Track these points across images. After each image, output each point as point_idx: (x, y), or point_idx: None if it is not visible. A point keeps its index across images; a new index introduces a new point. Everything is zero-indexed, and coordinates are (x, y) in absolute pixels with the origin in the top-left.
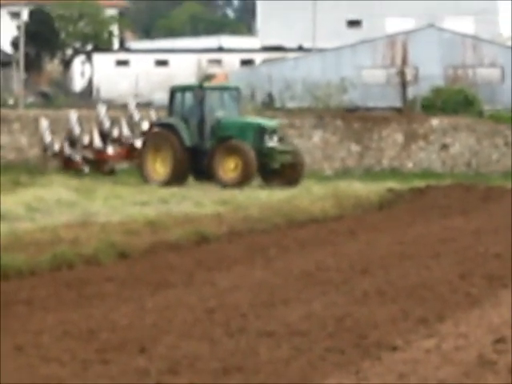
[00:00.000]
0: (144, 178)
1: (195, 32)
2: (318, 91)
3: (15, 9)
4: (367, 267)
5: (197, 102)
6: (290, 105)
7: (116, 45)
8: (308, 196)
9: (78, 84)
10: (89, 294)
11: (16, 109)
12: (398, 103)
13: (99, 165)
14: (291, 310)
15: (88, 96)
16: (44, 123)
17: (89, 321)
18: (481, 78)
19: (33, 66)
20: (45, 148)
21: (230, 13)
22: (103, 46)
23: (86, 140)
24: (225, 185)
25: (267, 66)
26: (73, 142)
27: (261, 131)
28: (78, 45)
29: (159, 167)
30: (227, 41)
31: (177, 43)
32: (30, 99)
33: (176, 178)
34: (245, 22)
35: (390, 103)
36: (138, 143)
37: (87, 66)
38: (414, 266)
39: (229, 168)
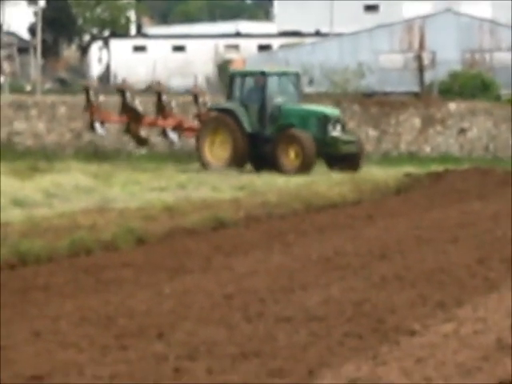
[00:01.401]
0: (202, 162)
1: (212, 17)
2: (335, 76)
3: None
4: (385, 252)
5: (258, 88)
6: (308, 90)
7: (133, 30)
8: (326, 181)
9: (95, 70)
10: (107, 279)
11: (33, 95)
12: (415, 88)
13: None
14: (309, 294)
15: (106, 82)
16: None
17: (107, 307)
18: (498, 62)
19: (50, 52)
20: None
21: None
22: (120, 32)
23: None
24: (287, 173)
25: (284, 51)
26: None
27: (324, 120)
28: (95, 31)
29: (218, 152)
30: (244, 26)
31: (194, 29)
32: (48, 85)
33: (235, 164)
34: (262, 7)
35: (407, 88)
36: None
37: (104, 52)
38: (431, 251)
39: (290, 157)
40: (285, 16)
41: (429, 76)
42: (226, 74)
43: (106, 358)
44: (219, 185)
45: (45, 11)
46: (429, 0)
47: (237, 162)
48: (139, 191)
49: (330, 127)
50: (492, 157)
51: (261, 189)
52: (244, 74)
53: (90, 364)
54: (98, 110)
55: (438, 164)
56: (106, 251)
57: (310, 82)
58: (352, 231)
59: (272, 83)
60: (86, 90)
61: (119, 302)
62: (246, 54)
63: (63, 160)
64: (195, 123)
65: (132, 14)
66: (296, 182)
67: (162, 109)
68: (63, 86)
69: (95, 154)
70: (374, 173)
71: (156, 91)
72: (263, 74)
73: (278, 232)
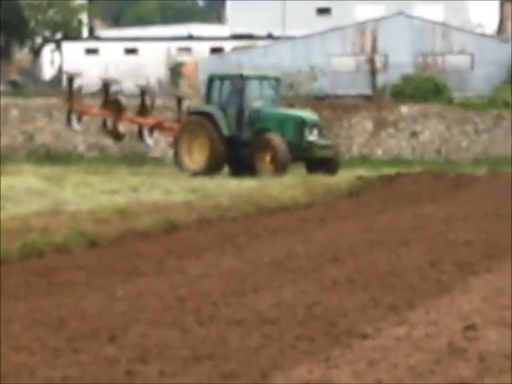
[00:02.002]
0: (178, 166)
1: (165, 20)
2: (287, 79)
3: None
4: (337, 255)
5: (236, 91)
6: None
7: (85, 33)
8: (278, 184)
9: (47, 72)
10: (59, 282)
11: None
12: (367, 91)
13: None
14: (261, 297)
15: (57, 84)
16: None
17: (59, 309)
18: (450, 66)
19: (2, 54)
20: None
21: (200, 1)
22: (72, 35)
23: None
24: (262, 177)
25: (237, 54)
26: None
27: (301, 124)
28: (47, 33)
29: (195, 156)
30: (197, 29)
31: (146, 31)
32: (0, 88)
33: (212, 168)
34: (214, 10)
35: (359, 91)
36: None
37: (57, 55)
38: (383, 254)
39: (265, 161)
40: (237, 19)
41: (381, 79)
42: (177, 77)
43: (58, 360)
44: (171, 188)
45: None
46: (381, 1)
47: (214, 165)
48: (91, 194)
49: (306, 132)
50: (444, 160)
51: (213, 192)
52: (222, 77)
53: (42, 367)
54: (79, 102)
55: (390, 167)
56: (58, 254)
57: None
58: (304, 234)
59: (251, 87)
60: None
61: (71, 304)
62: (199, 57)
63: (15, 162)
64: (176, 124)
65: (84, 17)
66: (248, 184)
67: (144, 108)
68: (15, 88)
69: (47, 156)
70: (326, 175)
71: (141, 90)
72: (241, 77)
73: (230, 235)
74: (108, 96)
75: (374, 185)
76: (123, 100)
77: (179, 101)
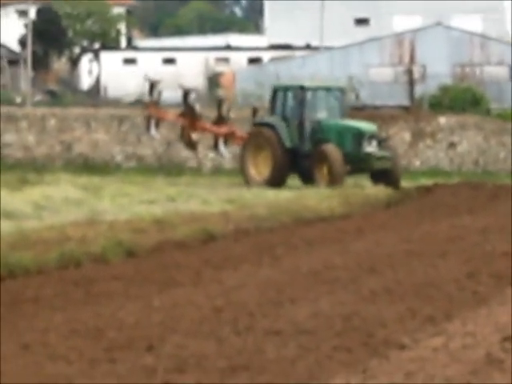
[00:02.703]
0: (245, 178)
1: (202, 30)
2: None
3: (23, 7)
4: (375, 266)
5: (297, 102)
6: None
7: (123, 43)
8: (316, 194)
9: (85, 82)
10: (96, 292)
11: (23, 107)
12: (405, 101)
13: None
14: (298, 308)
15: (95, 94)
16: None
17: (96, 319)
18: (488, 76)
19: (40, 64)
20: None
21: (238, 11)
22: (111, 44)
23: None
24: (320, 187)
25: (275, 65)
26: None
27: (359, 136)
28: (85, 43)
29: (260, 167)
30: (235, 39)
31: (184, 41)
32: (38, 97)
33: (275, 179)
34: (252, 21)
35: (397, 101)
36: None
37: (95, 65)
38: (421, 265)
39: (323, 172)
40: (275, 29)
41: (419, 90)
42: (215, 87)
43: (95, 370)
44: (208, 198)
45: (35, 23)
46: (419, 14)
47: (277, 177)
48: (128, 204)
49: (364, 143)
50: (482, 171)
51: (250, 202)
52: (286, 89)
53: (79, 377)
54: (158, 109)
55: (428, 178)
56: (96, 264)
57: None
58: (341, 245)
59: (313, 98)
60: (220, 103)
61: (109, 314)
62: (236, 67)
63: (53, 172)
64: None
65: (122, 27)
66: (285, 195)
67: (220, 118)
68: (53, 98)
69: (85, 166)
70: (364, 186)
71: (218, 100)
72: (302, 88)
73: (267, 245)
74: (187, 104)
75: (412, 196)
76: (198, 108)
77: (220, 103)
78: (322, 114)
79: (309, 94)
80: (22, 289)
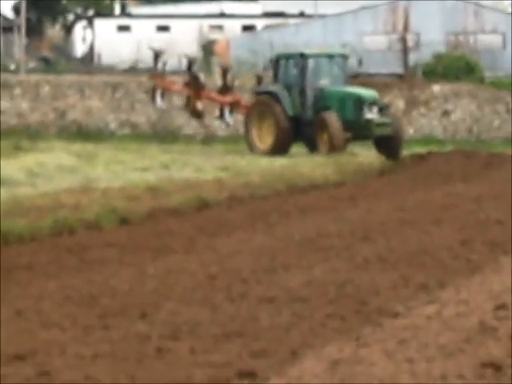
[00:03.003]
0: (249, 146)
1: None
2: None
3: None
4: (368, 234)
5: (299, 70)
6: None
7: (117, 10)
8: (309, 162)
9: (79, 49)
10: (90, 259)
11: (17, 74)
12: (399, 69)
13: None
14: (292, 275)
15: (89, 61)
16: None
17: (90, 286)
18: (482, 45)
19: (34, 31)
20: None
21: None
22: (104, 12)
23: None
24: (322, 154)
25: (268, 32)
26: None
27: (359, 102)
28: (79, 10)
29: (264, 136)
30: (229, 6)
31: (178, 9)
32: (32, 64)
33: (279, 148)
34: None
35: (391, 69)
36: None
37: (88, 32)
38: (414, 233)
39: (323, 139)
40: None
41: (413, 58)
42: (209, 54)
43: (89, 337)
44: (203, 165)
45: None
46: None
47: (280, 145)
48: (122, 171)
49: (365, 109)
50: (475, 139)
51: (244, 169)
52: (287, 57)
53: (73, 343)
54: (163, 79)
55: (422, 146)
56: (89, 231)
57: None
58: (335, 212)
59: (314, 66)
60: (224, 72)
61: (102, 281)
62: (230, 35)
63: (47, 139)
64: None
65: None
66: (279, 163)
67: (224, 87)
68: (47, 65)
69: (79, 133)
70: (357, 154)
71: (222, 69)
72: (303, 55)
73: (261, 213)
74: (191, 73)
75: (406, 164)
76: (202, 77)
77: (224, 72)
78: (324, 82)
79: (310, 62)
80: (16, 256)
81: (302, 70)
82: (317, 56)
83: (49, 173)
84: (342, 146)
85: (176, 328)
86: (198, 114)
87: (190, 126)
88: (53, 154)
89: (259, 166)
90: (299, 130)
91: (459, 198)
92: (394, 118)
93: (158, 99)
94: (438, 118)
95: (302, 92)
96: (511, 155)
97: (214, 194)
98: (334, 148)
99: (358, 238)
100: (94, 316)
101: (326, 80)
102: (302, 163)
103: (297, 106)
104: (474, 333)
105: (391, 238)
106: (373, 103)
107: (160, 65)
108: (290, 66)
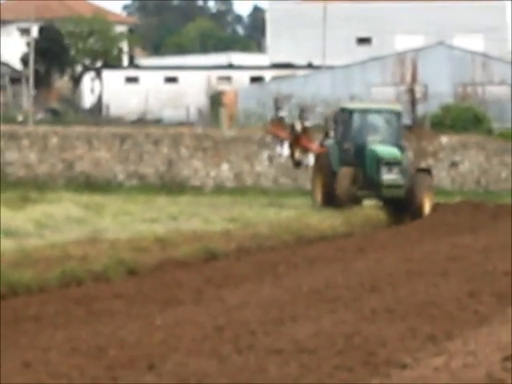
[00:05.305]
0: (312, 199)
1: (205, 49)
2: (327, 108)
3: (25, 25)
4: (376, 285)
5: (342, 125)
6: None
7: (125, 61)
8: (317, 213)
9: (87, 100)
10: (98, 310)
11: (25, 125)
12: (407, 121)
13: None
14: (300, 327)
15: (97, 113)
16: None
17: (98, 337)
18: (490, 96)
19: (42, 82)
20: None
21: (240, 30)
22: (113, 63)
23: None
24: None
25: (277, 83)
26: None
27: (376, 161)
28: (87, 61)
29: (318, 190)
30: (237, 58)
31: (186, 60)
32: (40, 116)
33: (325, 202)
34: (254, 39)
35: None
36: None
37: (97, 83)
38: (422, 284)
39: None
40: (277, 48)
41: (421, 109)
42: (217, 106)
43: None
44: (210, 216)
45: (37, 41)
46: (421, 33)
47: (326, 199)
48: (130, 222)
49: (383, 169)
50: (483, 190)
51: (252, 221)
52: (349, 111)
53: None
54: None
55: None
56: (97, 282)
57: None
58: (343, 264)
59: (358, 121)
60: (327, 120)
61: (110, 333)
62: (238, 86)
63: (55, 190)
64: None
65: (124, 45)
66: (287, 214)
67: (306, 133)
68: (55, 116)
69: (87, 184)
70: (365, 206)
71: (325, 118)
72: (344, 110)
73: (268, 264)
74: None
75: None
76: (298, 126)
77: (302, 112)
78: (372, 138)
79: (355, 117)
80: (24, 307)
81: (345, 125)
82: (361, 111)
83: (57, 224)
84: (344, 203)
85: (184, 379)
86: (297, 164)
87: (197, 177)
88: (61, 206)
89: (267, 218)
90: None
91: (467, 250)
92: (412, 179)
93: (279, 147)
94: (446, 170)
95: (346, 148)
96: None
97: (222, 246)
98: (336, 203)
99: (366, 290)
100: (102, 367)
101: (374, 136)
102: (309, 214)
103: (343, 162)
104: None
105: (399, 290)
106: (393, 163)
107: (283, 113)
108: (347, 121)
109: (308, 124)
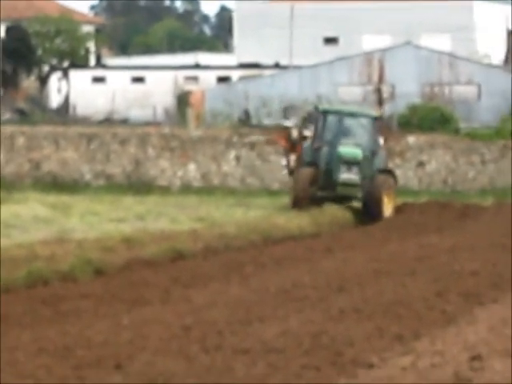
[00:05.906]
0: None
1: (172, 49)
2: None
3: None
4: (343, 284)
5: (315, 125)
6: (267, 122)
7: (93, 61)
8: (284, 213)
9: (54, 100)
10: (65, 310)
11: None
12: None
13: None
14: (267, 327)
15: (64, 113)
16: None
17: (65, 337)
18: (457, 96)
19: (9, 82)
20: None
21: (207, 30)
22: (80, 63)
23: None
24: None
25: (244, 83)
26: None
27: (337, 160)
28: (54, 61)
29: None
30: (204, 58)
31: (153, 60)
32: (7, 116)
33: (296, 203)
34: (221, 39)
35: None
36: None
37: (64, 83)
38: (389, 284)
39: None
40: (244, 48)
41: (388, 109)
42: (184, 106)
43: None
44: (178, 216)
45: (4, 41)
46: (388, 33)
47: (296, 202)
48: (97, 222)
49: (341, 168)
50: (450, 190)
51: (219, 221)
52: (323, 112)
53: None
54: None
55: (397, 197)
56: (64, 282)
57: (269, 113)
58: (310, 264)
59: (334, 122)
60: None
61: (77, 332)
62: (206, 86)
63: (22, 190)
64: None
65: (91, 45)
66: (255, 214)
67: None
68: (22, 116)
69: (54, 184)
70: (332, 205)
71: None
72: (316, 109)
73: (236, 264)
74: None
75: None
76: (295, 133)
77: (304, 120)
78: (342, 140)
79: (328, 118)
80: None
81: (317, 125)
82: (337, 113)
83: (24, 224)
84: (301, 204)
85: (151, 379)
86: (291, 171)
87: (164, 177)
88: (28, 205)
89: (234, 217)
90: None
91: (434, 249)
92: (372, 180)
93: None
94: (413, 169)
95: (315, 147)
96: (485, 206)
97: (189, 245)
98: (294, 205)
99: (334, 289)
100: (69, 367)
101: (345, 138)
102: (276, 214)
103: (310, 163)
104: None
105: (366, 289)
106: (353, 163)
107: (288, 123)
108: (314, 121)
109: (307, 133)
